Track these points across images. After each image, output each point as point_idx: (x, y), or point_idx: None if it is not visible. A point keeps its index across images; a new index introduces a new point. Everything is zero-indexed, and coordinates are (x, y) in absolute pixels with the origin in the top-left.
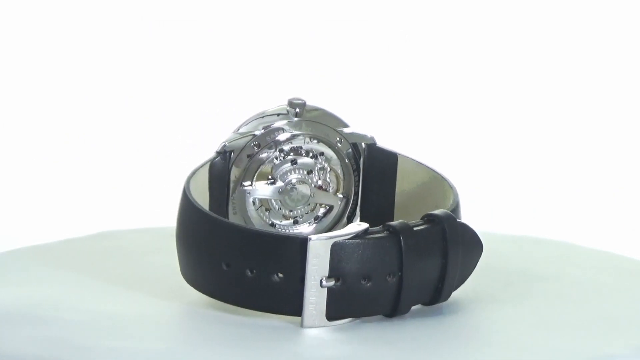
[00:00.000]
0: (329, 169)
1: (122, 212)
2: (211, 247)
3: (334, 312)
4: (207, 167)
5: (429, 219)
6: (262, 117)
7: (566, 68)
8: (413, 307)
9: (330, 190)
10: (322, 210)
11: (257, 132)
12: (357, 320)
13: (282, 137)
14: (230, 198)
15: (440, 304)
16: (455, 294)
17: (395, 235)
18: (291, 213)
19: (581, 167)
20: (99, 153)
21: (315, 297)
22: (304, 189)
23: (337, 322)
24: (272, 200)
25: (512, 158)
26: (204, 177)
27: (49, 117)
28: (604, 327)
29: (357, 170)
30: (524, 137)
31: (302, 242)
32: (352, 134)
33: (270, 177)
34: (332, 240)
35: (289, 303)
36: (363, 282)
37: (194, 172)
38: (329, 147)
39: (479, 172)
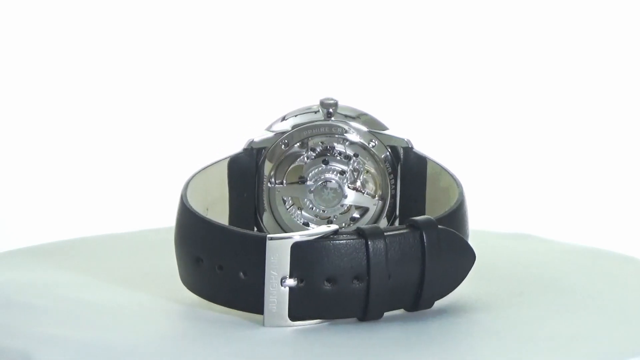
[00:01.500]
0: (363, 171)
1: (122, 213)
2: (188, 241)
3: (298, 313)
4: (214, 168)
5: (410, 224)
6: (294, 115)
7: (568, 69)
8: (394, 312)
9: (365, 192)
10: (357, 212)
11: (288, 131)
12: (327, 323)
13: (313, 136)
14: (261, 195)
15: (428, 310)
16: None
17: (364, 238)
18: (324, 213)
19: (587, 166)
20: (100, 153)
21: (275, 296)
22: (335, 190)
23: (302, 323)
24: (305, 200)
25: (513, 157)
26: (203, 180)
27: (51, 117)
28: (608, 328)
29: (393, 173)
30: (523, 137)
31: (262, 241)
32: (388, 137)
33: (301, 176)
34: (292, 241)
35: (253, 301)
36: (327, 285)
37: (192, 177)
38: (363, 148)
39: (479, 172)
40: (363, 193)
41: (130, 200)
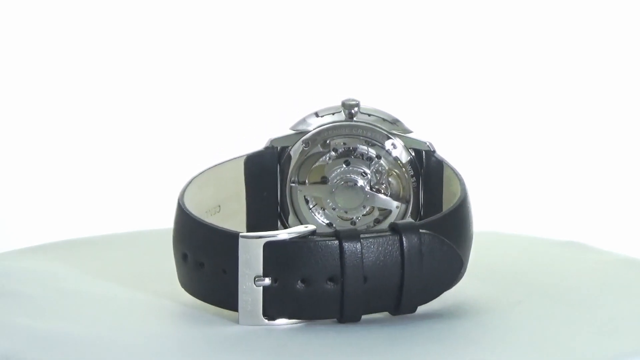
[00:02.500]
0: (386, 173)
1: (122, 213)
2: (178, 237)
3: (274, 312)
4: (227, 165)
5: (392, 227)
6: (316, 116)
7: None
8: (376, 315)
9: (387, 194)
10: (380, 214)
11: (309, 130)
12: (304, 323)
13: (335, 137)
14: (285, 194)
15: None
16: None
17: (338, 240)
18: (346, 215)
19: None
20: (100, 153)
21: (248, 295)
22: (357, 191)
23: (278, 322)
24: (327, 200)
25: (515, 157)
26: (214, 177)
27: (56, 119)
28: (612, 328)
29: (415, 175)
30: (522, 137)
31: (236, 238)
32: (411, 140)
33: (323, 176)
34: (264, 240)
35: (232, 299)
36: (300, 285)
37: (199, 174)
38: (386, 151)
39: (479, 172)
40: (386, 195)
41: (132, 200)
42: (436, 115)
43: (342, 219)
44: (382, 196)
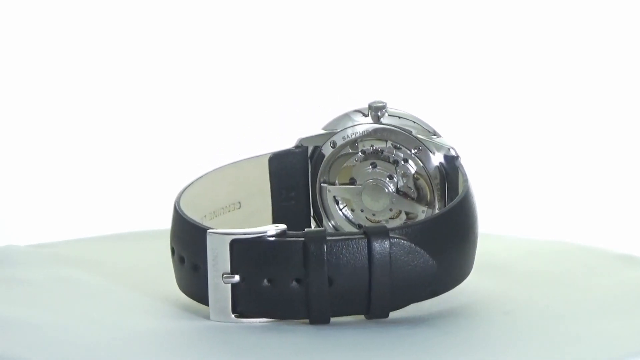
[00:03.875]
0: (412, 177)
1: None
2: (170, 232)
3: (244, 309)
4: (248, 163)
5: (364, 231)
6: (344, 117)
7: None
8: (349, 318)
9: (413, 198)
10: (407, 217)
11: (336, 132)
12: (276, 323)
13: (363, 139)
14: (316, 194)
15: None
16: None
17: (304, 242)
18: (374, 217)
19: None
20: (100, 153)
21: (217, 291)
22: (382, 193)
23: (248, 320)
24: (355, 202)
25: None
26: (234, 174)
27: (62, 120)
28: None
29: (441, 180)
30: (522, 137)
31: (204, 234)
32: (436, 144)
33: (352, 177)
34: (231, 237)
35: (206, 294)
36: (265, 284)
37: (186, 188)
38: (413, 154)
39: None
40: (412, 199)
41: (135, 200)
42: (449, 117)
43: (370, 221)
44: (408, 200)
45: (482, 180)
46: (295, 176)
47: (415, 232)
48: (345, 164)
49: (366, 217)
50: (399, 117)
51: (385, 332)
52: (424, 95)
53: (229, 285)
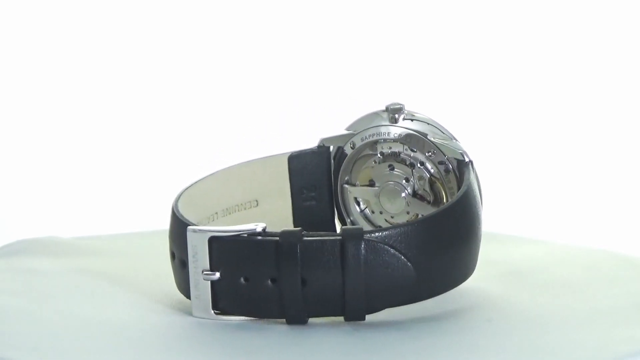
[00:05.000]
0: (427, 179)
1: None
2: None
3: (224, 306)
4: (265, 162)
5: (340, 232)
6: (366, 118)
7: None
8: (331, 319)
9: (430, 201)
10: None
11: (356, 133)
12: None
13: (381, 141)
14: (338, 194)
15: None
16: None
17: (278, 241)
18: (393, 219)
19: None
20: (100, 153)
21: (197, 288)
22: (399, 196)
23: (229, 317)
24: (374, 203)
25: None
26: (250, 172)
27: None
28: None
29: (457, 184)
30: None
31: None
32: (450, 148)
33: (371, 179)
34: (209, 234)
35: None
36: (242, 282)
37: (184, 190)
38: (428, 157)
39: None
40: (428, 202)
41: (136, 201)
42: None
43: (389, 223)
44: (422, 202)
45: (502, 184)
46: (316, 175)
47: (394, 235)
48: (365, 166)
49: (385, 219)
50: (416, 120)
51: (359, 336)
52: (445, 97)
53: (209, 282)
